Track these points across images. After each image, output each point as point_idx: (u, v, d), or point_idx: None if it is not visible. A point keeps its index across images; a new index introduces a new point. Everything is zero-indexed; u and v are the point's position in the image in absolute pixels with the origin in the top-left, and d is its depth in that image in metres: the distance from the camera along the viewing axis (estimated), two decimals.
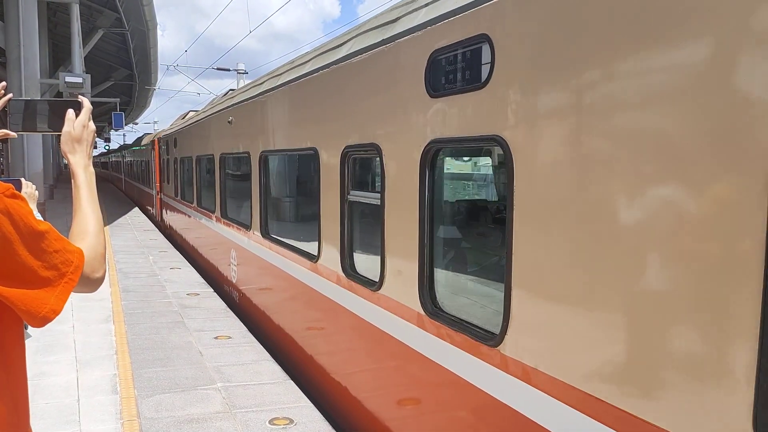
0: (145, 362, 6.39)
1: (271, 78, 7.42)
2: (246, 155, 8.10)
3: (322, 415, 5.11)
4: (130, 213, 23.68)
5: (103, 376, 5.99)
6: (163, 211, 18.81)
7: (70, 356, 6.55)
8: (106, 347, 6.90)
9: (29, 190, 2.65)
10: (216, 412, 5.16)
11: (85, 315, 8.22)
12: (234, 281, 9.26)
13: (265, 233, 7.40)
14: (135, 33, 32.32)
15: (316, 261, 5.61)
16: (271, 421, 4.97)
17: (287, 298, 6.66)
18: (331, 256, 5.26)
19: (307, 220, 6.15)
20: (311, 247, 5.82)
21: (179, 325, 7.88)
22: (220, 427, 4.86)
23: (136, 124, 74.06)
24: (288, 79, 6.37)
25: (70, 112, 1.81)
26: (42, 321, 1.40)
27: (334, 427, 4.99)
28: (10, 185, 1.42)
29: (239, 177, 9.16)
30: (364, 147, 4.55)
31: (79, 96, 1.90)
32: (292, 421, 4.97)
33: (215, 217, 10.47)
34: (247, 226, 8.10)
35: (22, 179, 2.72)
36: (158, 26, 33.08)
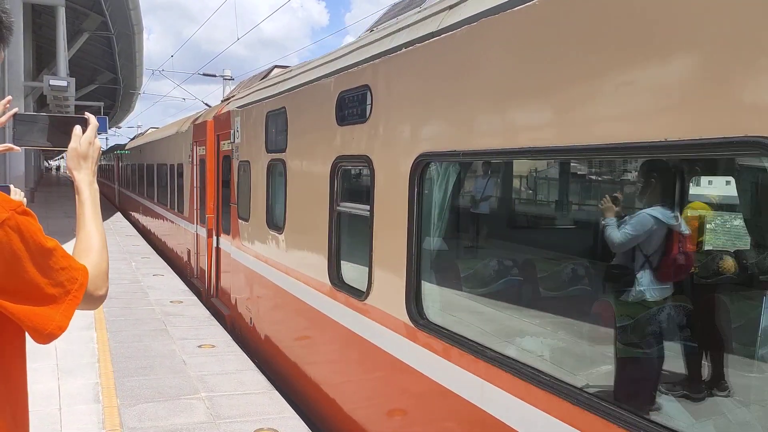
0: (128, 371, 6.33)
1: None
2: None
3: (307, 426, 5.11)
4: (112, 218, 23.45)
5: (85, 384, 5.94)
6: (243, 292, 8.05)
7: (51, 364, 6.47)
8: (88, 355, 6.84)
9: (18, 198, 2.61)
10: (200, 422, 5.13)
11: None
12: None
13: None
14: (121, 37, 32.20)
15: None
16: None
17: None
18: None
19: None
20: None
21: (162, 333, 7.82)
22: None
23: (120, 128, 73.54)
24: None
25: (77, 129, 1.81)
26: (48, 338, 1.42)
27: None
28: (21, 202, 1.44)
29: None
30: None
31: (86, 113, 1.92)
32: None
33: None
34: None
35: (11, 186, 2.67)
36: (144, 30, 32.94)
